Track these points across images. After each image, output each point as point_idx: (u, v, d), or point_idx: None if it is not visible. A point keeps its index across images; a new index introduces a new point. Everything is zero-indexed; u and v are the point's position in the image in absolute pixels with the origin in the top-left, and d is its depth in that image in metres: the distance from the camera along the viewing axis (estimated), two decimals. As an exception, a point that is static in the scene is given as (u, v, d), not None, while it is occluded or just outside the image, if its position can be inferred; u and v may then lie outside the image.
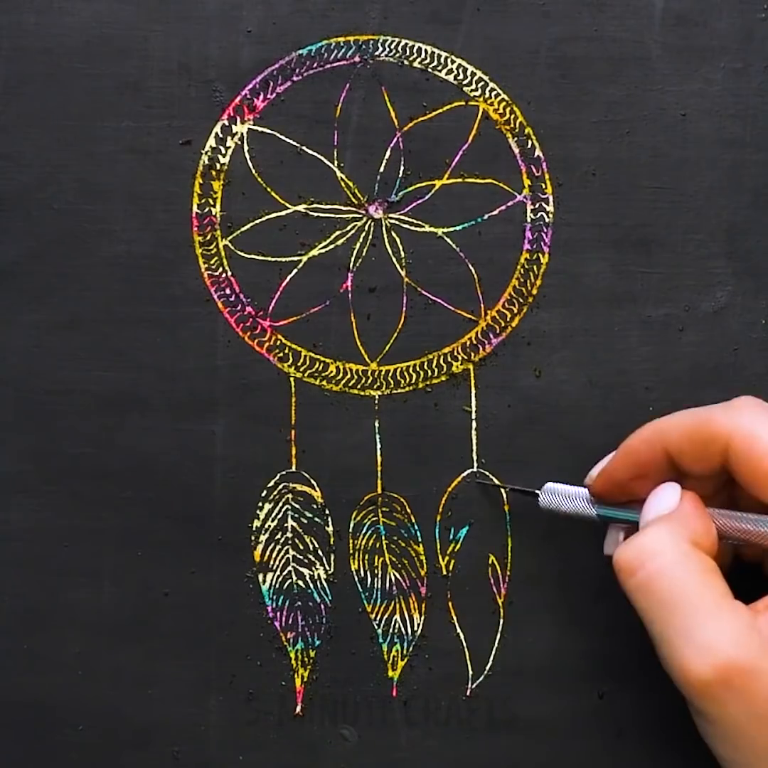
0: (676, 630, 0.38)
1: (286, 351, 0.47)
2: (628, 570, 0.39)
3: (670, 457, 0.41)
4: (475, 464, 0.46)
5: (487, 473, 0.46)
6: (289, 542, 0.47)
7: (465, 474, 0.46)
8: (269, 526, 0.47)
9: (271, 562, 0.47)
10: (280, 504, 0.47)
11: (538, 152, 0.46)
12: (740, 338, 0.46)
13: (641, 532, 0.40)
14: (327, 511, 0.47)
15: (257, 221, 0.47)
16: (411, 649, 0.46)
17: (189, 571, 0.46)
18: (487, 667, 0.46)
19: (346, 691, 0.46)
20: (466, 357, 0.47)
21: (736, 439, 0.40)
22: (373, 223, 0.47)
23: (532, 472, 0.46)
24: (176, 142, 0.46)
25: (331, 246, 0.47)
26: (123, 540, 0.46)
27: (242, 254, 0.47)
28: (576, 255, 0.46)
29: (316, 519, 0.47)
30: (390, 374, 0.47)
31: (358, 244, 0.47)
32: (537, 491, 0.45)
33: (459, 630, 0.46)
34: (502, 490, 0.46)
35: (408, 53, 0.46)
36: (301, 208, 0.47)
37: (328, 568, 0.47)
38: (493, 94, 0.46)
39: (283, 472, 0.47)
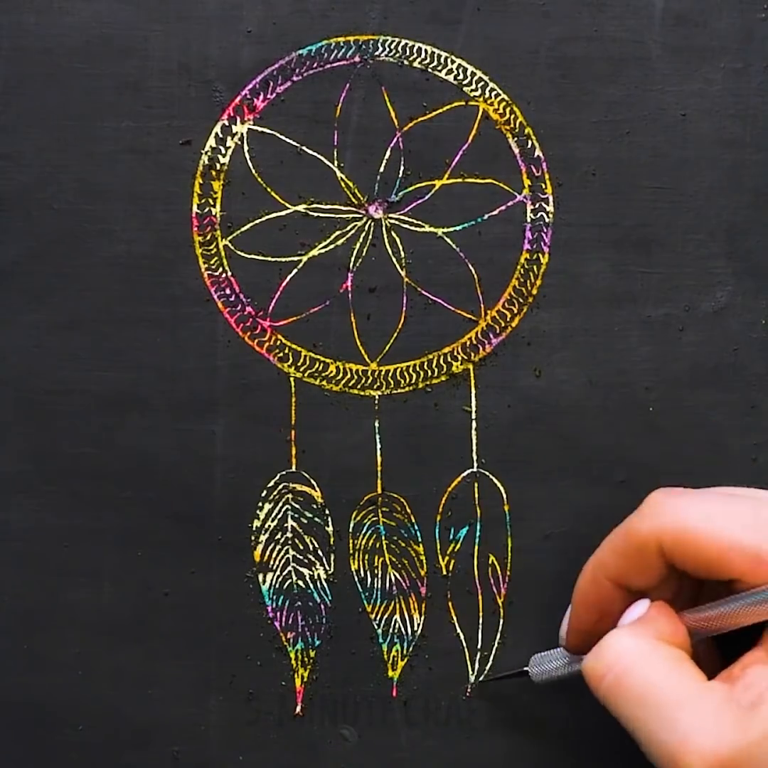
0: (655, 727, 0.37)
1: (286, 351, 0.47)
2: (596, 677, 0.39)
3: (620, 586, 0.41)
4: (475, 464, 0.46)
5: (487, 473, 0.46)
6: (289, 542, 0.47)
7: (465, 474, 0.46)
8: (269, 526, 0.47)
9: (271, 562, 0.47)
10: (280, 504, 0.47)
11: (538, 152, 0.46)
12: (740, 338, 0.46)
13: (606, 638, 0.39)
14: (327, 511, 0.47)
15: (257, 221, 0.47)
16: (411, 649, 0.46)
17: (189, 571, 0.46)
18: (487, 667, 0.46)
19: (346, 691, 0.46)
20: (466, 357, 0.47)
21: (663, 536, 0.39)
22: (373, 223, 0.47)
23: (532, 472, 0.46)
24: (176, 142, 0.46)
25: (331, 246, 0.47)
26: (123, 540, 0.46)
27: (242, 254, 0.47)
28: (576, 255, 0.47)
29: (316, 519, 0.47)
30: (390, 374, 0.47)
31: (358, 244, 0.47)
32: (525, 669, 0.45)
33: (459, 630, 0.46)
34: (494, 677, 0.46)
35: (408, 53, 0.46)
36: (301, 208, 0.47)
37: (328, 568, 0.47)
38: (493, 94, 0.46)
39: (283, 472, 0.47)
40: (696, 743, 0.36)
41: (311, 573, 0.47)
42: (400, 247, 0.47)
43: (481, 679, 0.46)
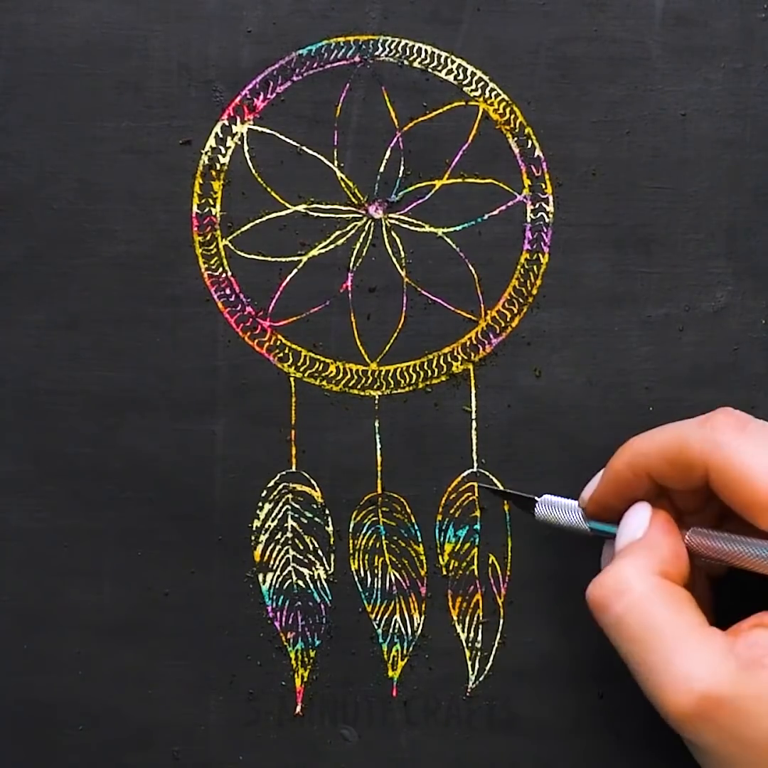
0: (652, 665, 0.38)
1: (286, 351, 0.47)
2: (600, 607, 0.39)
3: (654, 479, 0.41)
4: (475, 464, 0.46)
5: (487, 473, 0.46)
6: (289, 542, 0.47)
7: (465, 474, 0.46)
8: (269, 526, 0.47)
9: (271, 562, 0.47)
10: (280, 504, 0.47)
11: (538, 152, 0.46)
12: (740, 338, 0.46)
13: (610, 567, 0.40)
14: (327, 511, 0.47)
15: (257, 221, 0.47)
16: (411, 649, 0.46)
17: (189, 571, 0.46)
18: (487, 667, 0.46)
19: (346, 691, 0.46)
20: (466, 357, 0.47)
21: (712, 462, 0.39)
22: (373, 223, 0.47)
23: (532, 472, 0.46)
24: (176, 142, 0.46)
25: (331, 246, 0.47)
26: (123, 540, 0.46)
27: (242, 254, 0.47)
28: (576, 255, 0.46)
29: (316, 519, 0.47)
30: (390, 374, 0.47)
31: (358, 244, 0.47)
32: (535, 498, 0.45)
33: (459, 630, 0.46)
34: (503, 490, 0.46)
35: (408, 53, 0.46)
36: (301, 208, 0.47)
37: (328, 568, 0.47)
38: (493, 94, 0.46)
39: (283, 472, 0.47)
40: (688, 683, 0.37)
41: (311, 573, 0.47)
42: (400, 247, 0.47)
43: (484, 485, 0.46)
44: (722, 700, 0.36)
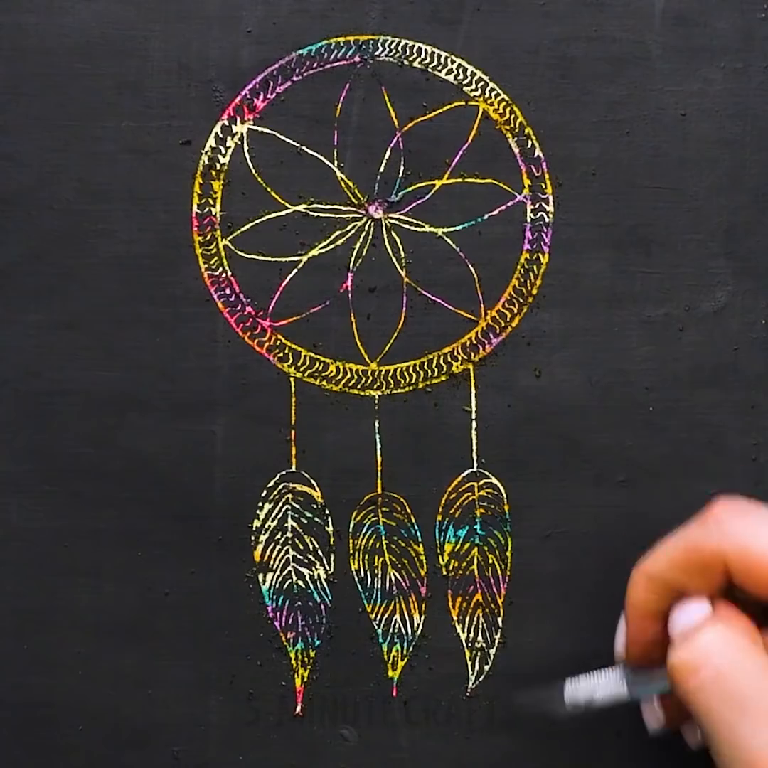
0: (746, 729, 0.36)
1: (286, 351, 0.47)
2: (687, 671, 0.38)
3: (678, 593, 0.40)
4: (475, 464, 0.46)
5: (486, 473, 0.46)
6: (289, 542, 0.47)
7: (465, 474, 0.46)
8: (269, 526, 0.47)
9: (271, 562, 0.47)
10: (280, 504, 0.47)
11: (538, 152, 0.46)
12: (740, 338, 0.46)
13: (696, 633, 0.38)
14: (327, 511, 0.47)
15: (257, 221, 0.47)
16: (411, 649, 0.46)
17: (189, 571, 0.46)
18: (487, 667, 0.46)
19: (346, 691, 0.46)
20: (466, 357, 0.47)
21: (730, 555, 0.39)
22: (373, 223, 0.47)
23: (532, 472, 0.46)
24: (176, 142, 0.46)
25: (331, 246, 0.47)
26: (123, 540, 0.46)
27: (242, 254, 0.47)
28: (576, 255, 0.47)
29: (316, 519, 0.47)
30: (390, 374, 0.47)
31: (358, 244, 0.47)
32: (566, 698, 0.43)
33: (459, 630, 0.46)
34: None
35: (408, 53, 0.46)
36: (301, 208, 0.47)
37: (328, 568, 0.47)
38: (493, 94, 0.46)
39: (283, 472, 0.47)
40: None
41: (311, 573, 0.47)
42: (400, 247, 0.47)
43: (525, 704, 0.45)
44: None
